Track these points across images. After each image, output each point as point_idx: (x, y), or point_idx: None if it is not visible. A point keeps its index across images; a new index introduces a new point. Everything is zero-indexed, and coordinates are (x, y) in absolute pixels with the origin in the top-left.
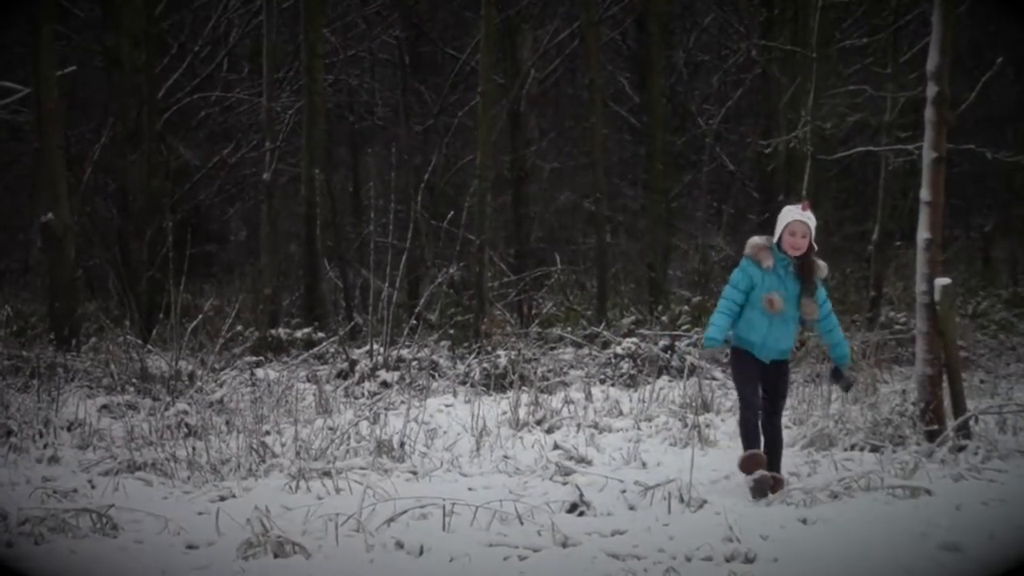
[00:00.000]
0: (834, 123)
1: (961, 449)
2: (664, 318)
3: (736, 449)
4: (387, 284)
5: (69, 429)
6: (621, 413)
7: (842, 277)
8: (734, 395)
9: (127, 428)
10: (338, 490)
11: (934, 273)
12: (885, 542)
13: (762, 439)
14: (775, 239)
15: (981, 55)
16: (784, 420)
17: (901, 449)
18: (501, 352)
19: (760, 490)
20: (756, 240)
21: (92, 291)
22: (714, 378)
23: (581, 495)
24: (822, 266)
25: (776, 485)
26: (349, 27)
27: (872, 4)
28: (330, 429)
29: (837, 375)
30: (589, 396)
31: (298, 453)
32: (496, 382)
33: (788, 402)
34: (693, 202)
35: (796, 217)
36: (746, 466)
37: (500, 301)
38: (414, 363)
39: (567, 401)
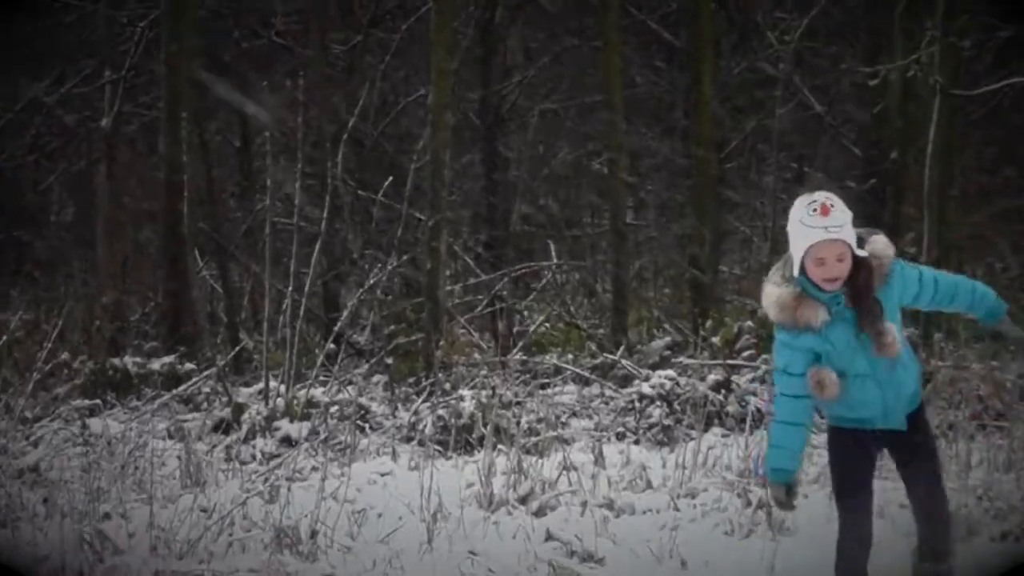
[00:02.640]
0: (977, 40)
1: None
2: (715, 340)
3: (827, 538)
4: (291, 288)
5: None
6: (650, 485)
7: (990, 274)
8: (821, 455)
9: None
10: None
11: None
12: None
13: None
14: (796, 269)
15: None
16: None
17: None
18: (466, 392)
19: None
20: (773, 293)
21: None
22: None
23: None
24: (881, 255)
25: None
26: None
27: None
28: (203, 511)
29: (1000, 334)
30: (600, 459)
31: (154, 548)
32: (459, 438)
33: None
34: (760, 162)
35: (817, 239)
36: None
37: (465, 314)
38: (333, 409)
39: (567, 467)
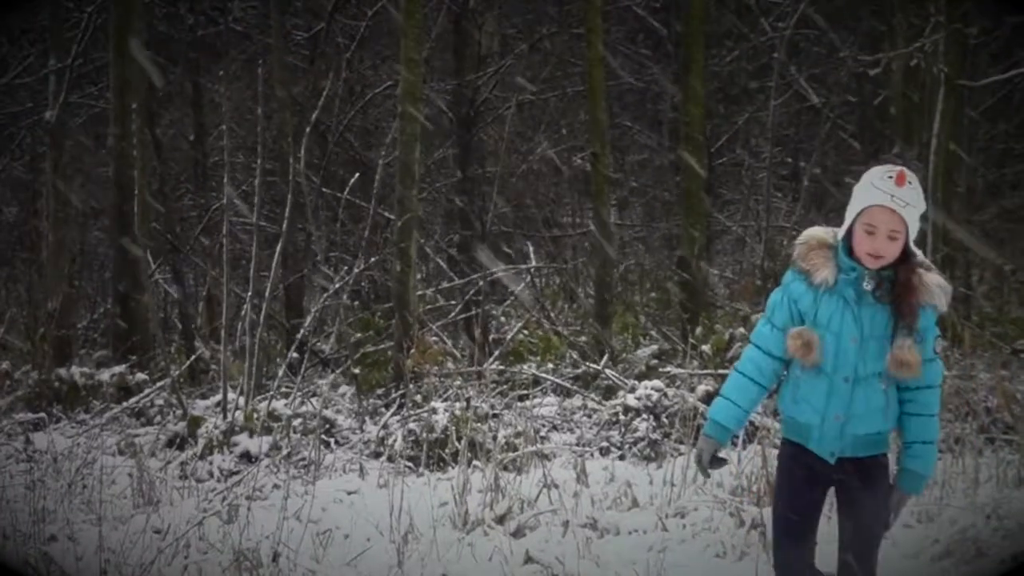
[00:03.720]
0: (983, 28)
1: None
2: (705, 348)
3: (826, 559)
4: (250, 292)
5: None
6: (636, 504)
7: (997, 279)
8: None
9: None
10: None
11: None
12: None
13: None
14: (843, 230)
15: None
16: (906, 516)
17: None
18: (438, 404)
19: None
20: (812, 234)
21: None
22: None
23: None
24: (935, 287)
25: None
26: None
27: None
28: (156, 532)
29: (894, 493)
30: (583, 476)
31: (104, 572)
32: (431, 453)
33: None
34: (753, 156)
35: (878, 201)
36: None
37: (437, 320)
38: (296, 422)
39: (547, 485)
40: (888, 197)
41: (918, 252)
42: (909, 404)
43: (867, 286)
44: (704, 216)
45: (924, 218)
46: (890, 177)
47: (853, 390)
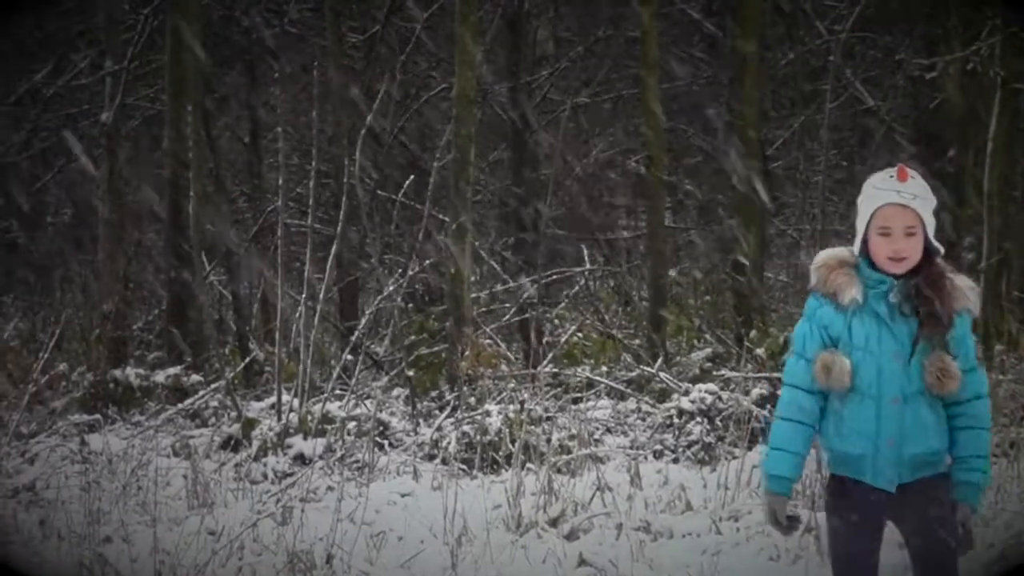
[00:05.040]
0: None
1: None
2: (760, 351)
3: (882, 562)
4: (305, 295)
5: None
6: (689, 507)
7: None
8: None
9: None
10: None
11: None
12: None
13: None
14: (857, 244)
15: None
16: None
17: None
18: (492, 407)
19: None
20: (828, 255)
21: None
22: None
23: None
24: (967, 289)
25: None
26: None
27: None
28: (211, 534)
29: (958, 509)
30: (637, 479)
31: (159, 573)
32: (485, 456)
33: None
34: (808, 160)
35: (889, 200)
36: None
37: (491, 323)
38: (350, 425)
39: (600, 487)
40: (894, 194)
41: (940, 248)
42: (960, 418)
43: (893, 299)
44: (759, 219)
45: (979, 221)
46: (891, 176)
47: (903, 410)
